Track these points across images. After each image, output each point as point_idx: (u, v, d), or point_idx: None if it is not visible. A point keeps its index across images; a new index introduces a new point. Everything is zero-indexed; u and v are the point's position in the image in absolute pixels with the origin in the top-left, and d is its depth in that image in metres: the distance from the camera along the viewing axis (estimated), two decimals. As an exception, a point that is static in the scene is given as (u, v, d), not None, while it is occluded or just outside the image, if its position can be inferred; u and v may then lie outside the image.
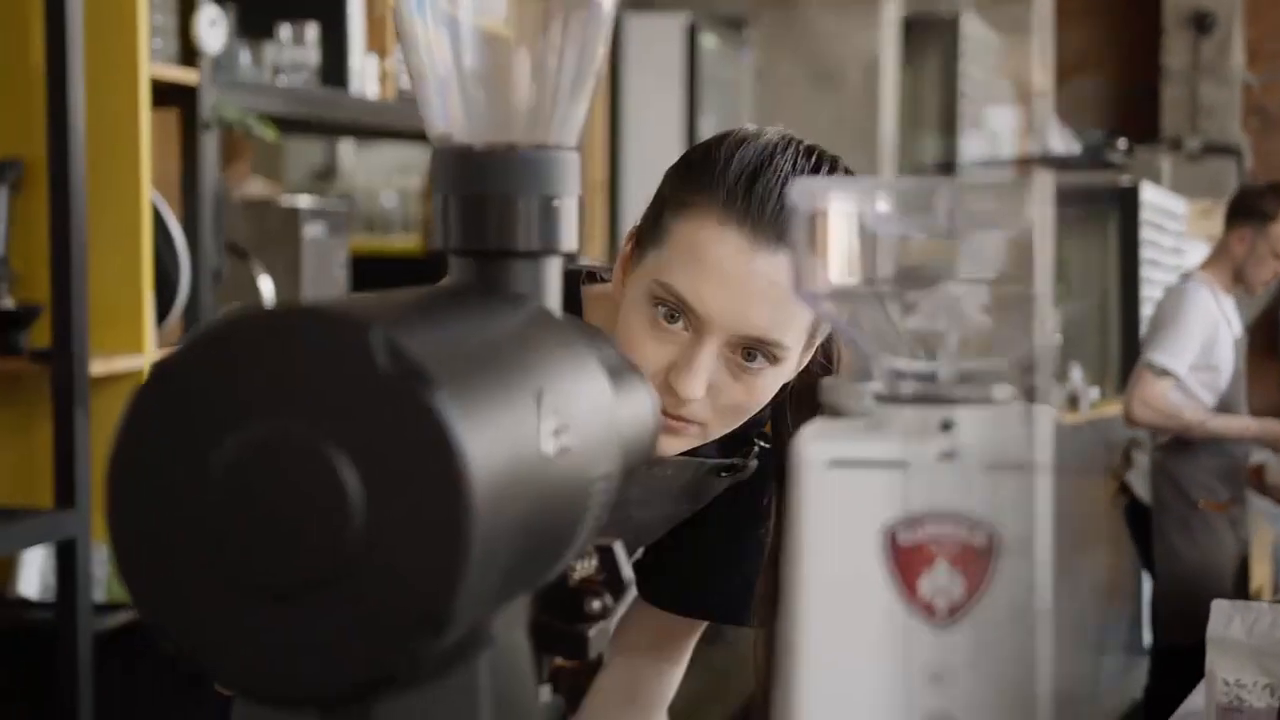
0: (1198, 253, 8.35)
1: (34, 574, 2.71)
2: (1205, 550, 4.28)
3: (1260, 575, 7.43)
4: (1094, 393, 6.18)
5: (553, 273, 0.86)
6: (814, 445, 0.72)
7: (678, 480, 1.42)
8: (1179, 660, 4.27)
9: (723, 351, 1.24)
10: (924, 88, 7.23)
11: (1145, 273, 6.99)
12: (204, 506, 0.65)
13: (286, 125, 3.34)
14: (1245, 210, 4.29)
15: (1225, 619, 1.90)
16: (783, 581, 0.80)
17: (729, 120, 6.35)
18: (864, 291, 0.75)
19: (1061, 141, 5.72)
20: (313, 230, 3.27)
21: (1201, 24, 9.43)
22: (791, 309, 1.23)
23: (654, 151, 4.95)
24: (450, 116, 0.87)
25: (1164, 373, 4.16)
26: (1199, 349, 4.20)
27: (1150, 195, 7.07)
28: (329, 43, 3.22)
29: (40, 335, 2.52)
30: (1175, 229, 7.60)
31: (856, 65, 5.71)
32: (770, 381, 1.26)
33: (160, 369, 0.68)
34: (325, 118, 3.35)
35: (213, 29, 2.78)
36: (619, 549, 0.87)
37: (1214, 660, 1.86)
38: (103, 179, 2.59)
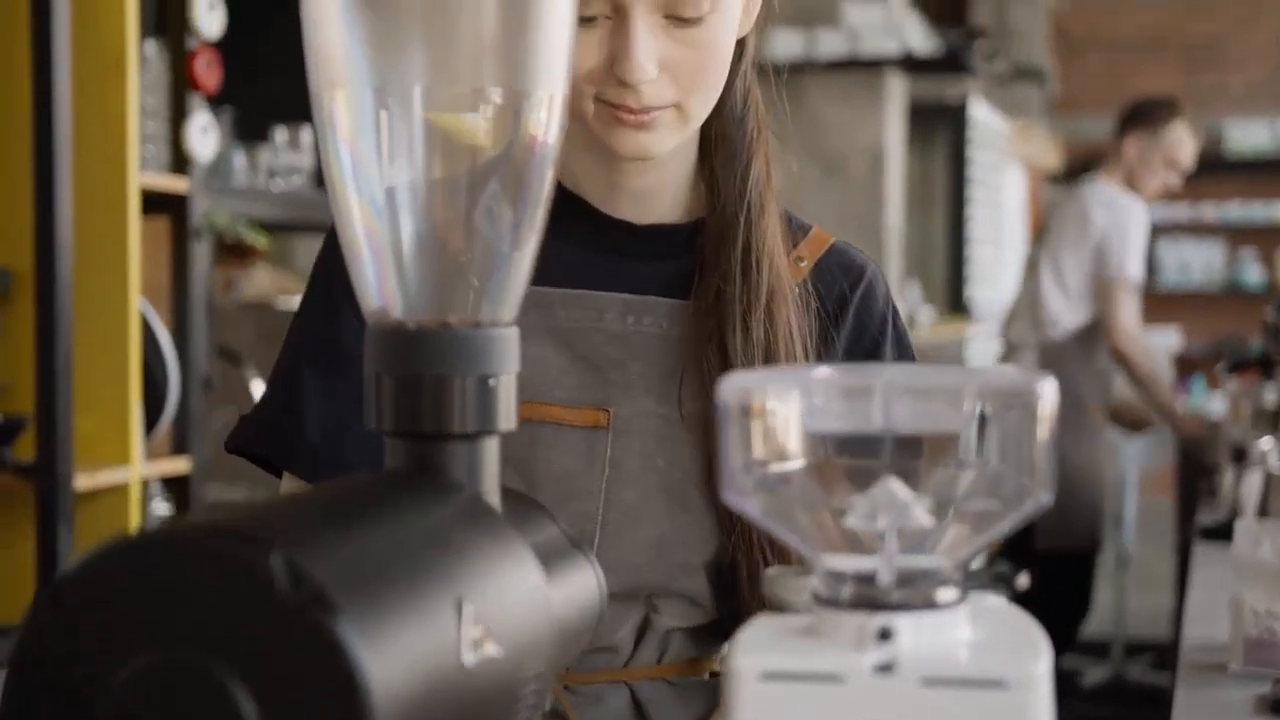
0: (1014, 173, 8.51)
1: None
2: (1091, 455, 4.34)
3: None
4: (929, 312, 6.32)
5: (490, 453, 0.83)
6: (748, 657, 0.69)
7: None
8: (1060, 565, 4.30)
9: (655, 20, 1.15)
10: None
11: (969, 191, 7.10)
12: (95, 735, 0.62)
13: (283, 227, 3.33)
14: (1139, 118, 4.44)
15: (1252, 539, 1.69)
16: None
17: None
18: (798, 487, 0.72)
19: (921, 38, 5.72)
20: (308, 332, 3.24)
21: None
22: None
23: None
24: (385, 292, 0.84)
25: (1137, 285, 4.31)
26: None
27: (977, 112, 7.12)
28: (324, 145, 3.21)
29: (25, 448, 2.50)
30: (998, 147, 7.71)
31: (862, 154, 5.71)
32: (721, 30, 1.17)
33: (60, 585, 0.66)
34: (320, 221, 3.35)
35: (204, 136, 2.78)
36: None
37: (1241, 587, 1.66)
38: (91, 289, 2.57)
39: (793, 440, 0.72)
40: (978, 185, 7.36)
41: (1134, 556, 5.82)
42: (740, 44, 1.25)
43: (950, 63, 5.91)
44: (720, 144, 1.26)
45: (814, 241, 1.31)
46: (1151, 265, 10.34)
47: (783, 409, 0.72)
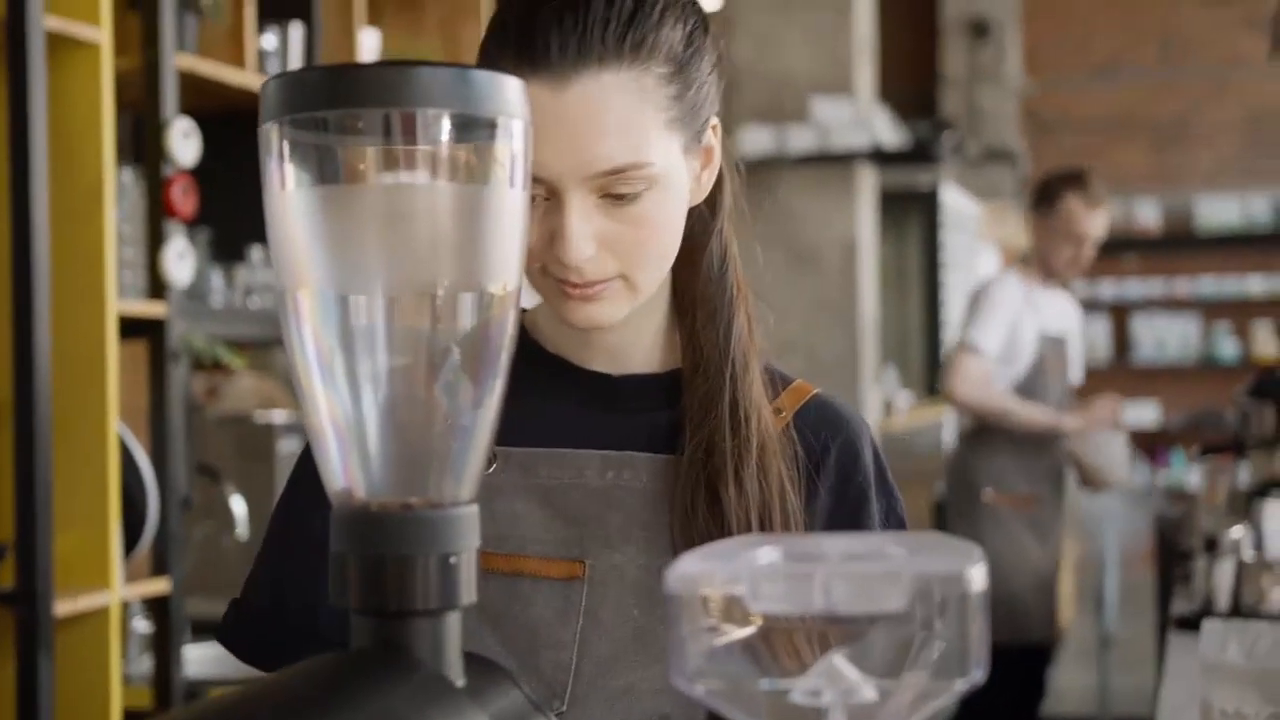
0: (988, 254, 8.62)
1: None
2: (992, 547, 4.19)
3: (1065, 587, 7.51)
4: (908, 397, 6.36)
5: (452, 627, 0.87)
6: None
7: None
8: (1013, 657, 4.25)
9: (590, 201, 1.15)
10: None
11: (943, 276, 7.17)
12: None
13: (262, 344, 3.37)
14: (1036, 199, 4.48)
15: (1219, 641, 1.72)
16: None
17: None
18: (744, 667, 0.75)
19: (889, 131, 5.79)
20: (287, 446, 3.28)
21: (979, 30, 9.66)
22: (636, 122, 1.14)
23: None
24: (349, 475, 0.88)
25: (977, 350, 4.29)
26: (1005, 335, 4.33)
27: (949, 197, 7.21)
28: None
29: (4, 575, 2.52)
30: (971, 231, 7.79)
31: (835, 245, 5.78)
32: (662, 204, 1.17)
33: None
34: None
35: (181, 262, 2.82)
36: None
37: (1208, 688, 1.69)
38: (70, 414, 2.60)
39: (738, 621, 0.75)
40: (951, 269, 7.46)
41: (1116, 636, 5.84)
42: (712, 205, 1.27)
43: (919, 154, 6.00)
44: (700, 304, 1.26)
45: (795, 392, 1.31)
46: (1127, 340, 10.47)
47: (728, 593, 0.75)
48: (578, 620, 1.23)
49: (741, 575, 0.74)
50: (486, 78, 0.86)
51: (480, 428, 0.88)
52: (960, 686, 0.74)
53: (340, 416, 0.87)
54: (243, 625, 1.29)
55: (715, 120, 1.24)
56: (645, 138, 1.15)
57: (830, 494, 1.30)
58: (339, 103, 0.84)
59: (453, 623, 0.86)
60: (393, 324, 0.85)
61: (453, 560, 0.86)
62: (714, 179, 1.26)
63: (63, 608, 2.53)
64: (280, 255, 0.87)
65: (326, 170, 0.86)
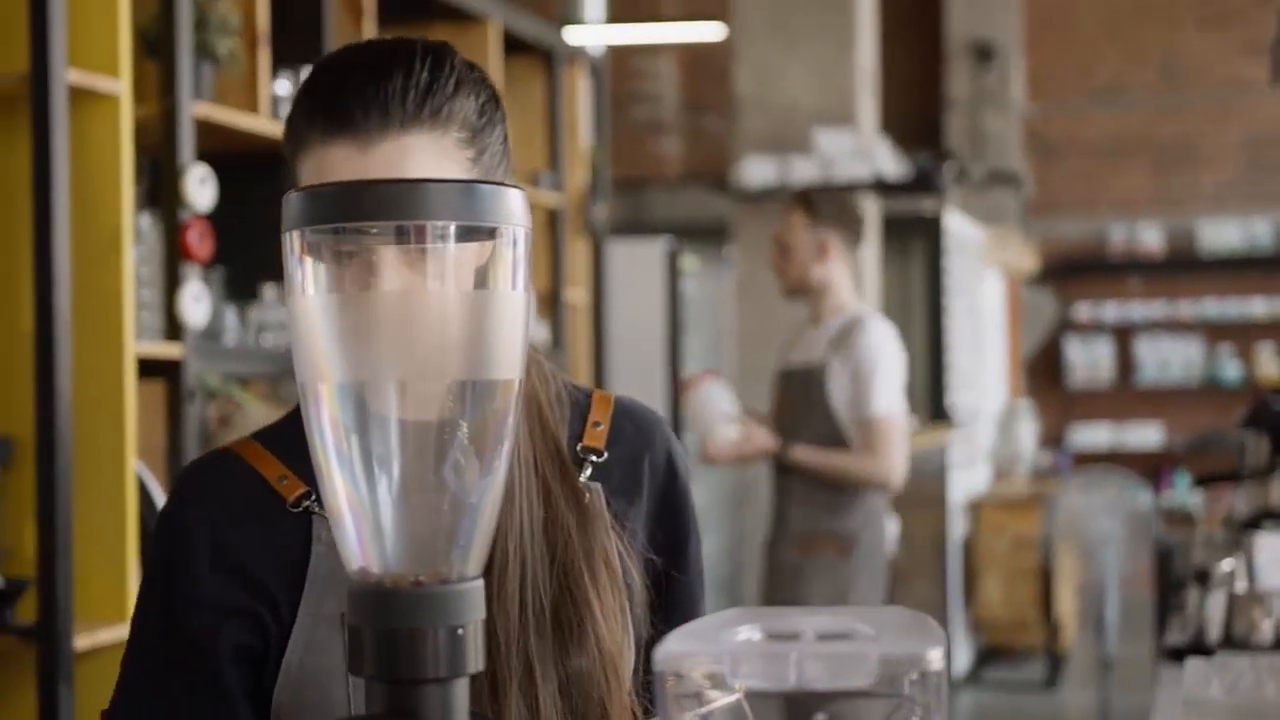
0: (992, 279, 8.68)
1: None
2: (778, 589, 4.06)
3: (1066, 607, 7.55)
4: (912, 423, 6.41)
5: (460, 692, 0.94)
6: None
7: None
8: None
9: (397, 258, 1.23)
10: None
11: (946, 300, 7.23)
12: None
13: (275, 379, 3.45)
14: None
15: (1203, 678, 1.77)
16: None
17: (711, 337, 6.54)
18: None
19: (891, 162, 5.81)
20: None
21: (982, 54, 9.71)
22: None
23: (637, 373, 5.09)
24: (365, 554, 0.96)
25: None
26: None
27: (952, 223, 7.28)
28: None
29: (26, 610, 2.60)
30: (975, 255, 7.85)
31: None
32: None
33: None
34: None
35: (197, 304, 2.90)
36: None
37: None
38: (89, 453, 2.68)
39: (719, 698, 0.83)
40: (955, 294, 7.52)
41: (1117, 658, 5.90)
42: None
43: (921, 184, 6.07)
44: None
45: (601, 403, 1.39)
46: (1131, 362, 10.53)
47: (710, 671, 0.83)
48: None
49: (723, 655, 0.82)
50: (489, 191, 0.94)
51: (485, 506, 0.96)
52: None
53: (356, 499, 0.95)
54: None
55: None
56: None
57: (653, 498, 1.38)
58: (355, 215, 0.92)
59: (461, 689, 0.94)
60: (405, 414, 0.93)
61: (460, 631, 0.93)
62: None
63: (82, 642, 2.61)
64: (301, 352, 0.94)
65: (343, 276, 0.94)
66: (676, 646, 0.82)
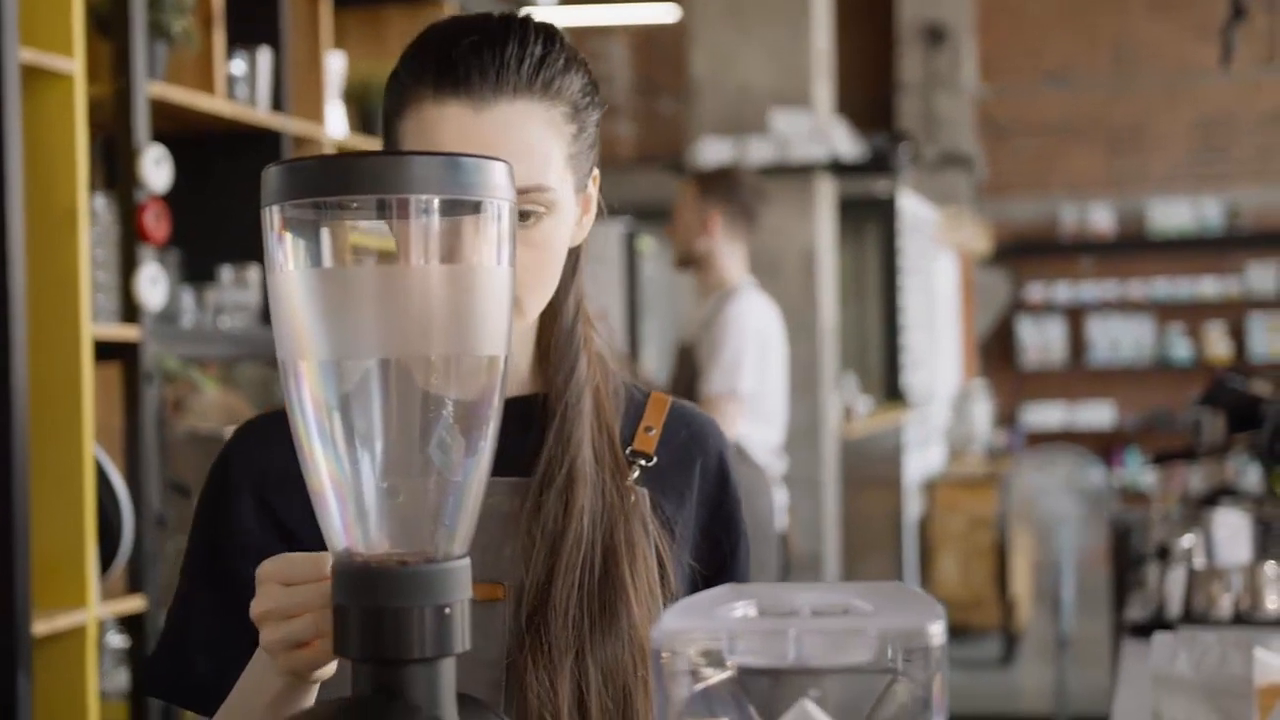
0: (946, 259, 8.74)
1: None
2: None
3: (1022, 586, 7.64)
4: (867, 402, 6.45)
5: (447, 672, 0.93)
6: None
7: None
8: None
9: None
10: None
11: (901, 281, 7.29)
12: None
13: (231, 361, 3.42)
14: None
15: (1169, 653, 1.75)
16: None
17: (670, 319, 6.54)
18: (722, 713, 0.82)
19: (847, 143, 5.85)
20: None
21: (934, 37, 9.77)
22: (542, 149, 1.23)
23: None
24: (349, 535, 0.94)
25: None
26: None
27: (906, 204, 7.34)
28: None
29: (-17, 596, 2.56)
30: (928, 235, 7.92)
31: (795, 254, 5.85)
32: (554, 231, 1.25)
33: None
34: (266, 353, 3.43)
35: (154, 286, 2.86)
36: None
37: (1159, 699, 1.72)
38: (46, 437, 2.65)
39: (716, 673, 0.82)
40: (909, 274, 7.55)
41: (1073, 636, 5.93)
42: (574, 256, 1.33)
43: (877, 165, 6.08)
44: (554, 346, 1.33)
45: (656, 405, 1.38)
46: (1083, 342, 10.60)
47: (707, 648, 0.81)
48: (505, 640, 1.26)
49: (720, 631, 0.81)
50: (473, 164, 0.92)
51: (471, 485, 0.94)
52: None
53: (340, 479, 0.93)
54: (156, 668, 1.31)
55: (597, 172, 1.33)
56: (549, 165, 1.24)
57: (703, 503, 1.37)
58: (336, 189, 0.91)
59: (447, 668, 0.93)
60: (388, 391, 0.92)
61: (447, 611, 0.92)
62: (589, 226, 1.34)
63: (40, 627, 2.58)
64: (281, 328, 0.93)
65: (324, 250, 0.92)
66: (673, 623, 0.81)
